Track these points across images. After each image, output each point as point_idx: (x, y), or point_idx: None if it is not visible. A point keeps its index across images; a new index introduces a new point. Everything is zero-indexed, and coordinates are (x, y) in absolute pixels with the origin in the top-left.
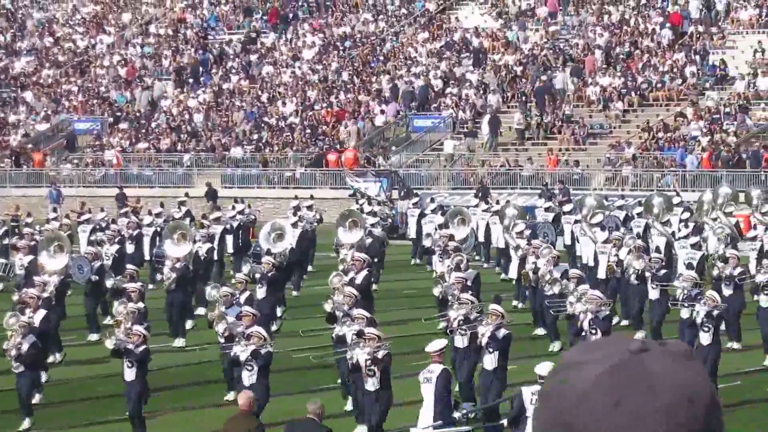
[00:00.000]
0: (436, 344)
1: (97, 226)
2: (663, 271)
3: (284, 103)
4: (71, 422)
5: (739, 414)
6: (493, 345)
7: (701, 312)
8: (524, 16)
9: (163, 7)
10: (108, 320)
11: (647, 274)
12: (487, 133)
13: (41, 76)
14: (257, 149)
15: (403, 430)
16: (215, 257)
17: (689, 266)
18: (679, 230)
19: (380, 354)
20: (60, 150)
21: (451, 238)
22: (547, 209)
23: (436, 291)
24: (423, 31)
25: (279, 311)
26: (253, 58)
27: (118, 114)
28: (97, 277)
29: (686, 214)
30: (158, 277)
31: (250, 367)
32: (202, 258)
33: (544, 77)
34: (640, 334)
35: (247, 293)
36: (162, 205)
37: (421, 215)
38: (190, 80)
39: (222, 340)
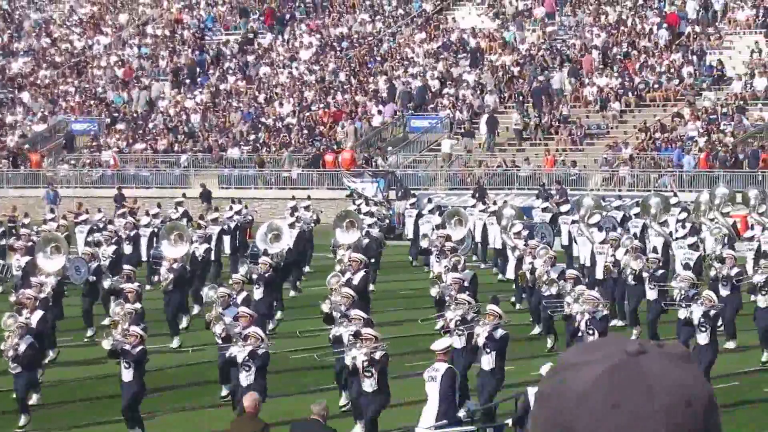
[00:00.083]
0: (442, 343)
1: (95, 227)
2: (660, 272)
3: (281, 104)
4: (69, 423)
5: (738, 414)
6: (491, 345)
7: (697, 312)
8: (521, 16)
9: (160, 8)
10: (105, 321)
11: (644, 274)
12: (485, 132)
13: (38, 76)
14: (254, 150)
15: (407, 429)
16: (212, 258)
17: (686, 266)
18: (677, 230)
19: (377, 355)
20: (57, 150)
21: (448, 238)
22: (544, 210)
23: (434, 291)
24: (420, 31)
25: (279, 314)
26: (250, 58)
27: (115, 115)
28: (94, 278)
29: (683, 215)
30: (155, 278)
31: (247, 368)
32: (200, 259)
33: (541, 77)
34: (634, 332)
35: (244, 294)
36: (159, 206)
37: (419, 216)
38: (187, 81)
39: (219, 341)
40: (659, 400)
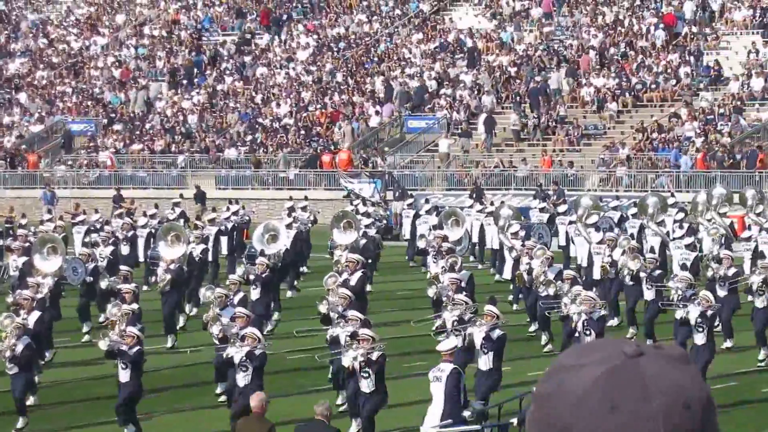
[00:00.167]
0: (448, 343)
1: (92, 228)
2: (658, 272)
3: (278, 105)
4: (67, 423)
5: (736, 414)
6: (488, 345)
7: (694, 312)
8: (518, 16)
9: (157, 9)
10: (101, 318)
11: (642, 274)
12: (483, 132)
13: (35, 77)
14: (251, 151)
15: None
16: (210, 258)
17: (683, 267)
18: (674, 231)
19: (374, 355)
20: (55, 151)
21: (445, 239)
22: (541, 210)
23: (431, 292)
24: (417, 32)
25: (277, 315)
26: (247, 59)
27: (113, 115)
28: (91, 279)
29: (681, 215)
30: (152, 278)
31: (244, 368)
32: (197, 259)
33: (538, 78)
34: (631, 330)
35: (241, 294)
36: (156, 207)
37: (416, 216)
38: (184, 82)
39: (217, 342)
40: (657, 401)
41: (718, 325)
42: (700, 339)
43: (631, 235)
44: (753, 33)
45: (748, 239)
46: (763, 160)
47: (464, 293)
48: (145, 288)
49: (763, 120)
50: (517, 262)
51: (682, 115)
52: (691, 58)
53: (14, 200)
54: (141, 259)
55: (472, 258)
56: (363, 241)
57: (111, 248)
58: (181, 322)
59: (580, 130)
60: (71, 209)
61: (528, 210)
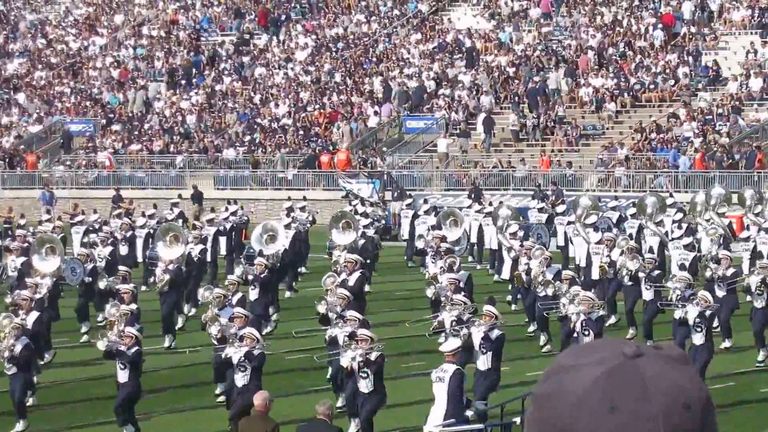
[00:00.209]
0: (451, 344)
1: (90, 228)
2: (657, 272)
3: (277, 105)
4: (65, 424)
5: (734, 414)
6: (486, 346)
7: (692, 312)
8: (517, 17)
9: (156, 9)
10: (99, 318)
11: (641, 274)
12: (481, 132)
13: (34, 77)
14: (250, 151)
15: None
16: (208, 259)
17: (682, 267)
18: (672, 231)
19: (373, 356)
20: (54, 151)
21: (444, 239)
22: (540, 210)
23: (429, 292)
24: (416, 32)
25: (275, 315)
26: (246, 59)
27: (111, 116)
28: (90, 279)
29: (679, 215)
30: (151, 279)
31: (243, 368)
32: (195, 259)
33: (537, 78)
34: (631, 331)
35: (239, 295)
36: (155, 207)
37: (414, 216)
38: (183, 82)
39: (215, 342)
40: (657, 402)
41: (717, 326)
42: (698, 339)
43: (630, 236)
44: (751, 33)
45: (747, 239)
46: (761, 160)
47: (462, 293)
48: (143, 288)
49: (762, 120)
50: (515, 262)
51: (681, 116)
52: (690, 59)
53: (13, 200)
54: (140, 259)
55: (470, 258)
56: (362, 242)
57: (110, 248)
58: (180, 323)
59: (578, 130)
60: (70, 209)
61: (527, 210)
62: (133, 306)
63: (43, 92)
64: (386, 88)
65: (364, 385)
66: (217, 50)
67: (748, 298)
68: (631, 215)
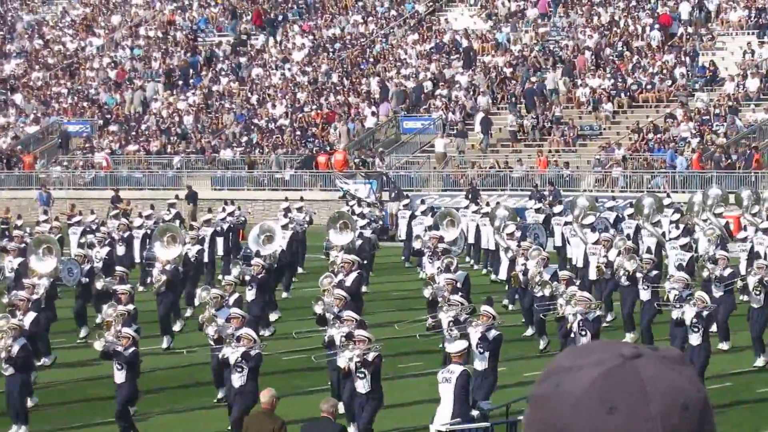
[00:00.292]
0: (458, 345)
1: (87, 229)
2: (654, 272)
3: (274, 105)
4: (62, 425)
5: (731, 415)
6: (484, 346)
7: (689, 312)
8: (514, 17)
9: (153, 10)
10: (97, 320)
11: (638, 275)
12: (479, 132)
13: (31, 78)
14: (247, 151)
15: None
16: (206, 259)
17: (680, 267)
18: (670, 231)
19: (370, 356)
20: (51, 151)
21: (441, 239)
22: (537, 211)
23: (427, 293)
24: (413, 32)
25: (275, 316)
26: (243, 60)
27: (108, 116)
28: (87, 280)
29: (676, 216)
30: (148, 279)
31: (240, 369)
32: (192, 260)
33: (533, 78)
34: (631, 336)
35: (236, 295)
36: (152, 208)
37: (412, 217)
38: (180, 82)
39: (212, 343)
40: (655, 403)
41: (716, 331)
42: (695, 339)
43: (627, 236)
44: (748, 33)
45: (744, 240)
46: (758, 161)
47: (460, 294)
48: (140, 288)
49: (759, 120)
50: (512, 262)
51: (678, 116)
52: (687, 59)
53: (10, 201)
54: (137, 260)
55: (467, 258)
56: (359, 242)
57: (107, 249)
58: (179, 326)
59: (575, 130)
60: (67, 210)
61: (524, 211)
62: (130, 307)
63: (40, 93)
64: (383, 89)
65: (362, 386)
66: (214, 51)
67: (744, 298)
68: (628, 216)
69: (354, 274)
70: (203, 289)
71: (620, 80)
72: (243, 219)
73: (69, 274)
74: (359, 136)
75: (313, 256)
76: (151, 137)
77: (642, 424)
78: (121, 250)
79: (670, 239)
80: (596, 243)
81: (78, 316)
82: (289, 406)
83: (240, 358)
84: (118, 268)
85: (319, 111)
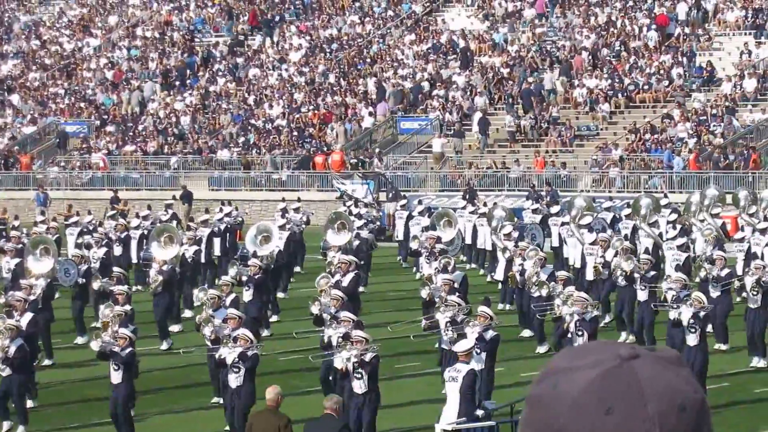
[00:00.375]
0: (464, 344)
1: (85, 229)
2: (652, 273)
3: (271, 106)
4: (59, 425)
5: (728, 415)
6: (481, 346)
7: (686, 313)
8: (511, 17)
9: (150, 10)
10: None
11: (636, 275)
12: (476, 132)
13: (28, 78)
14: (244, 152)
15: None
16: (202, 260)
17: (677, 268)
18: (667, 231)
19: (368, 357)
20: (48, 152)
21: (438, 240)
22: (534, 211)
23: (424, 293)
24: (410, 33)
25: (274, 318)
26: (240, 60)
27: (105, 117)
28: (83, 281)
29: (674, 216)
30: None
31: (236, 369)
32: (189, 260)
33: (531, 79)
34: (629, 338)
35: (233, 296)
36: (149, 208)
37: (409, 217)
38: (177, 83)
39: (209, 344)
40: (653, 404)
41: (711, 331)
42: (692, 340)
43: (625, 236)
44: (745, 34)
45: (742, 240)
46: (755, 161)
47: (457, 294)
48: (136, 288)
49: (756, 121)
50: (510, 263)
51: (675, 116)
52: (684, 59)
53: (7, 202)
54: (134, 260)
55: (463, 258)
56: (356, 243)
57: (104, 250)
58: (178, 327)
59: (572, 131)
60: (64, 211)
61: (521, 211)
62: (128, 307)
63: (37, 93)
64: (380, 89)
65: (358, 386)
66: (211, 51)
67: (738, 299)
68: (625, 216)
69: (351, 275)
70: (200, 290)
71: (617, 80)
72: (240, 219)
73: (66, 274)
74: (356, 136)
75: (310, 257)
76: (148, 138)
77: (639, 425)
78: (118, 250)
79: (667, 239)
80: (593, 243)
81: (77, 321)
82: (287, 407)
83: (237, 359)
84: (116, 269)
85: (316, 111)
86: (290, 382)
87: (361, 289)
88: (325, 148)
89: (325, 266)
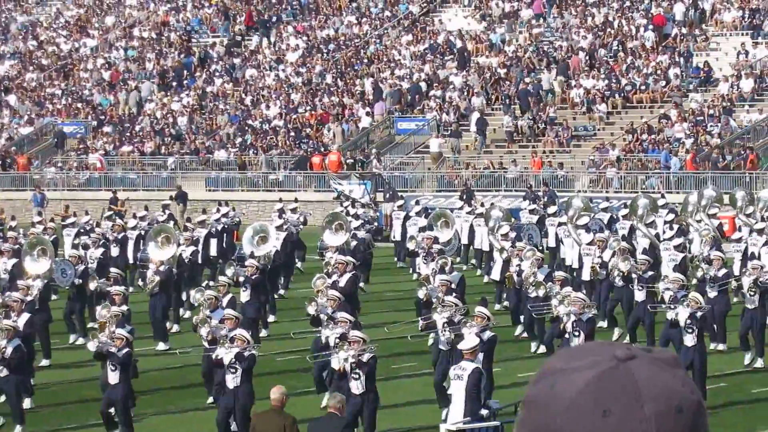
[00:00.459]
0: (469, 342)
1: (82, 230)
2: (649, 273)
3: (268, 106)
4: (56, 426)
5: (725, 415)
6: (479, 347)
7: (683, 313)
8: (508, 18)
9: (147, 11)
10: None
11: (633, 275)
12: (474, 132)
13: (25, 79)
14: (241, 152)
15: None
16: (199, 260)
17: (675, 268)
18: (664, 232)
19: (365, 357)
20: (45, 152)
21: (435, 240)
22: (531, 211)
23: (421, 294)
24: (406, 33)
25: (272, 318)
26: (237, 61)
27: (102, 117)
28: (80, 281)
29: (671, 216)
30: (140, 281)
31: (233, 370)
32: (186, 261)
33: (528, 79)
34: (624, 339)
35: (230, 296)
36: (146, 209)
37: (406, 218)
38: (174, 83)
39: (206, 344)
40: (650, 405)
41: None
42: (689, 340)
43: (622, 237)
44: (743, 34)
45: (739, 240)
46: (753, 161)
47: (454, 295)
48: (135, 287)
49: (753, 121)
50: (507, 263)
51: (672, 117)
52: (681, 60)
53: (4, 202)
54: (131, 261)
55: (458, 258)
56: (353, 243)
57: (101, 250)
58: (176, 328)
59: (569, 131)
60: (61, 211)
61: (518, 211)
62: (124, 308)
63: (34, 94)
64: (377, 90)
65: (356, 386)
66: (208, 52)
67: (735, 299)
68: (622, 216)
69: (348, 275)
70: (197, 291)
71: (614, 81)
72: (237, 220)
73: (63, 275)
74: (353, 137)
75: (308, 257)
76: (145, 138)
77: (636, 426)
78: (115, 251)
79: (664, 240)
80: (590, 244)
81: (67, 319)
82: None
83: (234, 359)
84: (113, 269)
85: (313, 112)
86: (287, 383)
87: (362, 284)
88: (322, 149)
89: (323, 267)
